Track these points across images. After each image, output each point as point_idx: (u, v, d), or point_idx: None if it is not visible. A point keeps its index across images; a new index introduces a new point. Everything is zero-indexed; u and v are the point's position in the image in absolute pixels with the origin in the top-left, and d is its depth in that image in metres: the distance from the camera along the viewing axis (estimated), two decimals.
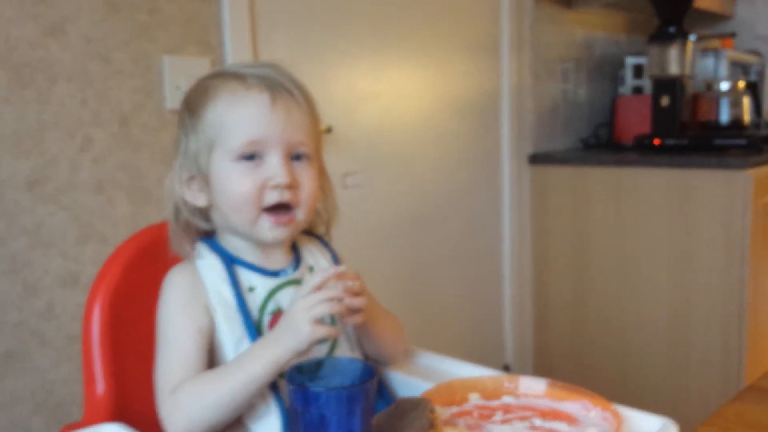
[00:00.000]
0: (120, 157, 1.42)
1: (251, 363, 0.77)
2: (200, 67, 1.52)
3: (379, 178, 2.01)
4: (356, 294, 0.81)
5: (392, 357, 0.97)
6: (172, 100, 1.48)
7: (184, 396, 0.78)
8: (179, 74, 1.48)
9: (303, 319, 0.76)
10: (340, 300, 0.78)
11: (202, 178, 0.85)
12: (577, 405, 0.84)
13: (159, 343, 0.84)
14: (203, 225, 0.89)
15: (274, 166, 0.82)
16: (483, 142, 2.36)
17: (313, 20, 1.81)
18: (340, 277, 0.80)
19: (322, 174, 0.92)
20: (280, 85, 0.83)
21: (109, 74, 1.40)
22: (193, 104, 0.86)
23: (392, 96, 2.03)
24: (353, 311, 0.81)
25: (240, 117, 0.82)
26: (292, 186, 0.83)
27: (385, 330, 0.93)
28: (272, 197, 0.83)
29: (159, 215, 1.42)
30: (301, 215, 0.85)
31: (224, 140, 0.83)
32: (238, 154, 0.82)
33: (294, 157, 0.85)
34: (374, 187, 1.99)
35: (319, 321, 0.76)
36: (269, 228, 0.84)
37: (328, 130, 1.80)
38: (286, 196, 0.83)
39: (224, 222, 0.87)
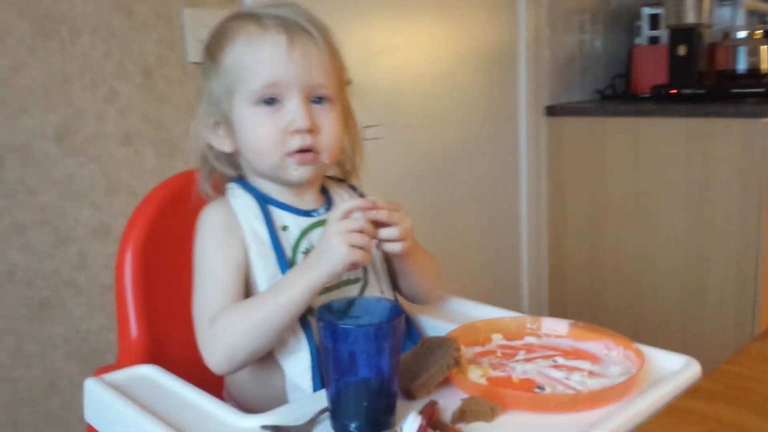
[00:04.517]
0: (145, 109, 1.43)
1: (288, 288, 0.78)
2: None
3: (396, 130, 2.02)
4: (388, 224, 0.81)
5: (427, 295, 0.97)
6: (194, 52, 1.48)
7: (223, 324, 0.79)
8: (200, 27, 1.48)
9: (339, 242, 0.76)
10: (369, 233, 0.79)
11: (226, 123, 0.86)
12: (599, 344, 0.86)
13: (196, 276, 0.84)
14: (229, 171, 0.90)
15: (293, 110, 0.82)
16: (500, 93, 2.36)
17: None
18: (371, 208, 0.80)
19: (347, 115, 0.92)
20: (298, 26, 0.83)
21: (132, 26, 1.40)
22: (213, 48, 0.86)
23: (409, 48, 2.02)
24: (391, 241, 0.82)
25: (257, 60, 0.82)
26: (313, 130, 0.83)
27: (423, 266, 0.94)
28: (294, 142, 0.83)
29: (186, 166, 1.44)
30: (324, 158, 0.85)
31: (243, 84, 0.83)
32: (257, 98, 0.82)
33: (315, 100, 0.85)
34: (392, 139, 2.00)
35: (354, 246, 0.77)
36: (294, 168, 0.84)
37: (347, 83, 1.80)
38: (308, 141, 0.83)
39: (251, 166, 0.88)
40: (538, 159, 2.47)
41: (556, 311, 2.56)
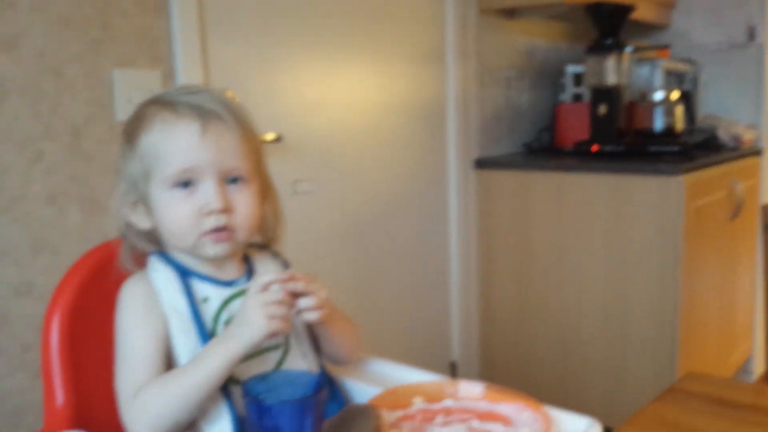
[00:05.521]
0: (72, 169, 1.43)
1: (208, 359, 0.80)
2: (151, 79, 1.55)
3: (329, 184, 2.06)
4: (306, 294, 0.85)
5: (348, 357, 1.01)
6: (123, 112, 1.49)
7: (147, 397, 0.81)
8: (130, 87, 1.51)
9: (258, 313, 0.80)
10: (288, 303, 0.83)
11: (144, 203, 0.89)
12: (512, 407, 0.90)
13: (118, 352, 0.86)
14: (149, 246, 0.92)
15: (207, 192, 0.86)
16: (430, 147, 2.42)
17: (262, 32, 1.84)
18: (289, 280, 0.84)
19: (266, 189, 0.96)
20: (211, 113, 0.86)
21: (61, 88, 1.41)
22: (130, 132, 0.89)
23: (341, 104, 2.07)
24: (309, 310, 0.86)
25: (171, 147, 0.86)
26: (227, 210, 0.87)
27: (342, 332, 0.98)
28: (209, 223, 0.86)
29: (110, 225, 1.45)
30: (239, 236, 0.89)
31: (158, 169, 0.86)
32: (172, 183, 0.86)
33: (230, 180, 0.88)
34: (324, 193, 2.04)
35: (273, 317, 0.80)
36: (211, 246, 0.88)
37: (278, 139, 1.84)
38: (222, 221, 0.87)
39: (170, 243, 0.91)
40: (467, 211, 2.53)
41: (485, 361, 2.60)
